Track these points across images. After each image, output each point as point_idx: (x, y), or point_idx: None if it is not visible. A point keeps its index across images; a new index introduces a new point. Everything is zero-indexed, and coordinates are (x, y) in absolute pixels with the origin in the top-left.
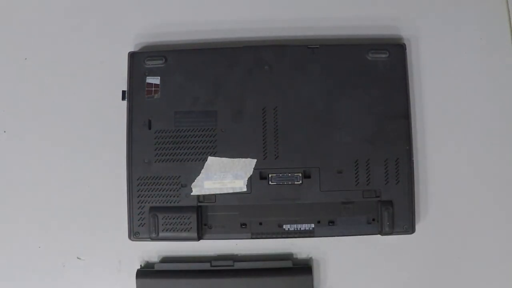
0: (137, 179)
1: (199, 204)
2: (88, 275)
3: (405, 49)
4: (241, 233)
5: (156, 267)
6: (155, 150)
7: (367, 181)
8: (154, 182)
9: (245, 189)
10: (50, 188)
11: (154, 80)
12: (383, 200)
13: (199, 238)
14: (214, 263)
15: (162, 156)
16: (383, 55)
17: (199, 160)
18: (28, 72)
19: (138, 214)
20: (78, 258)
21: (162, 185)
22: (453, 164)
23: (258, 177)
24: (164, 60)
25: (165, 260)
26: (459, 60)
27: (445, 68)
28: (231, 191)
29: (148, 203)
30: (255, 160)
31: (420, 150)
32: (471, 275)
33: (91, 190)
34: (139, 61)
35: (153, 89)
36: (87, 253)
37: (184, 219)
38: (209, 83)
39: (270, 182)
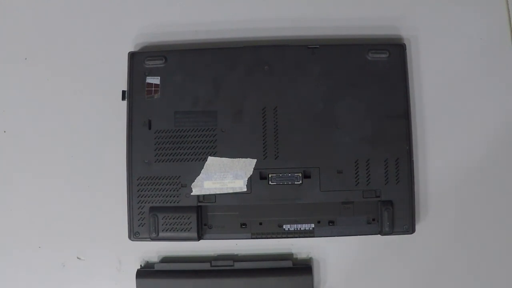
0: (137, 179)
1: (199, 204)
2: (88, 275)
3: (405, 49)
4: (241, 233)
5: (156, 267)
6: (155, 150)
7: (367, 181)
8: (154, 182)
9: (245, 189)
10: (50, 188)
11: (154, 80)
12: (383, 200)
13: (199, 238)
14: (214, 263)
15: (162, 156)
16: (383, 55)
17: (199, 160)
18: (28, 72)
19: (138, 214)
20: (78, 258)
21: (162, 185)
22: (453, 164)
23: (258, 177)
24: (164, 60)
25: (165, 260)
26: (459, 60)
27: (445, 68)
28: (231, 191)
29: (148, 203)
30: (255, 160)
31: (420, 150)
32: (471, 275)
33: (91, 190)
34: (139, 61)
35: (153, 89)
36: (87, 253)
37: (184, 219)
38: (209, 83)
39: (270, 182)
